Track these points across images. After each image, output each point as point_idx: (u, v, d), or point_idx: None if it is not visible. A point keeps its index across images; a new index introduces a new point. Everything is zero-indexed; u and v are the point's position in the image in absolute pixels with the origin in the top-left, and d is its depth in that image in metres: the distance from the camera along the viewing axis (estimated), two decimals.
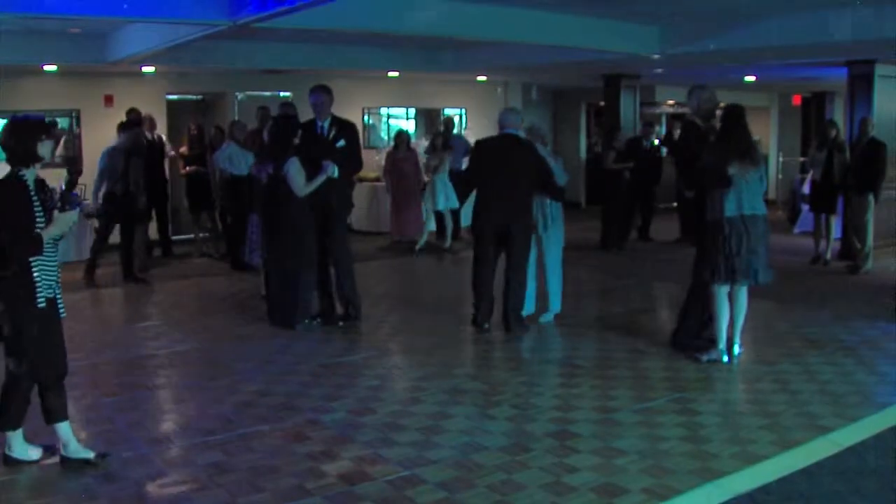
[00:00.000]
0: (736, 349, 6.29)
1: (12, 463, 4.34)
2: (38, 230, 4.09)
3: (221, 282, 9.73)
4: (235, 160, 10.06)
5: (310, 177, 7.10)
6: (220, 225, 11.28)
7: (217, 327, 7.59)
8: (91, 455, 4.34)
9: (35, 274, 4.13)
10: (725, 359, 6.20)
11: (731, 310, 6.24)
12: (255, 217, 8.17)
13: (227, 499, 4.00)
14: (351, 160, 7.41)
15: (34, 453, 4.41)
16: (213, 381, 5.94)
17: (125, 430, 4.95)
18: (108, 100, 12.55)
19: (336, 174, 7.16)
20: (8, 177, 4.09)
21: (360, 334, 7.23)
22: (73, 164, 11.07)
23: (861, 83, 11.25)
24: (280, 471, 4.31)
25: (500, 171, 7.02)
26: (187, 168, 11.40)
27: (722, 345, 6.22)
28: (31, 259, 4.11)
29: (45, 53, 10.24)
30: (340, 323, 7.45)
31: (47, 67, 11.25)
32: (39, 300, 4.16)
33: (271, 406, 5.35)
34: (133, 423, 5.07)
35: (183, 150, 11.58)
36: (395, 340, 7.15)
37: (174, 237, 12.06)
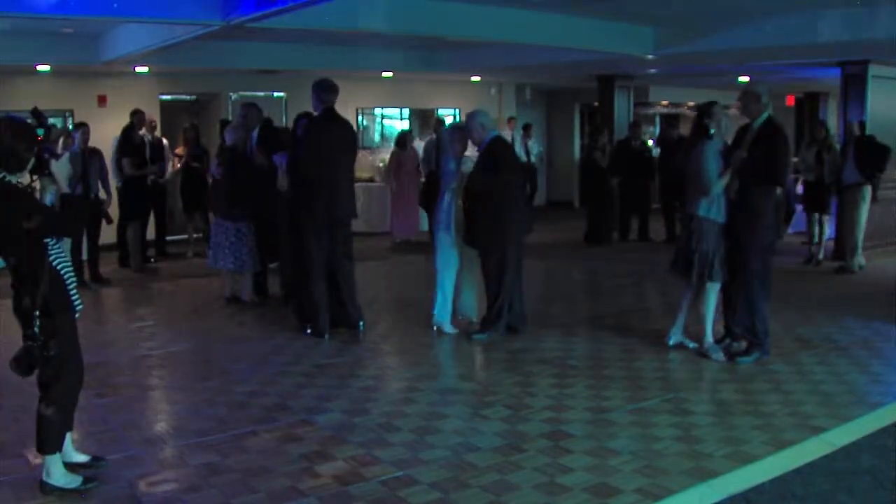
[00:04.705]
0: (712, 352, 6.32)
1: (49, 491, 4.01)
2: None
3: (215, 282, 9.69)
4: None
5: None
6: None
7: (210, 328, 7.58)
8: (78, 482, 4.06)
9: (66, 277, 3.92)
10: (671, 343, 6.62)
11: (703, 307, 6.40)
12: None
13: (220, 499, 3.99)
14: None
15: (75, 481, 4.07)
16: (206, 381, 5.94)
17: (118, 431, 4.94)
18: (102, 100, 12.54)
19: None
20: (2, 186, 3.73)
21: (353, 335, 7.21)
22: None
23: (854, 83, 11.27)
24: (273, 471, 4.31)
25: (517, 177, 7.17)
26: (179, 164, 11.36)
27: (672, 330, 6.65)
28: (58, 265, 3.86)
29: (38, 53, 10.22)
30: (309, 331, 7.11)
31: (40, 67, 11.24)
32: (77, 303, 3.99)
33: (265, 407, 5.34)
34: (126, 424, 5.06)
35: (179, 150, 11.56)
36: (388, 341, 7.14)
37: (168, 237, 12.02)
